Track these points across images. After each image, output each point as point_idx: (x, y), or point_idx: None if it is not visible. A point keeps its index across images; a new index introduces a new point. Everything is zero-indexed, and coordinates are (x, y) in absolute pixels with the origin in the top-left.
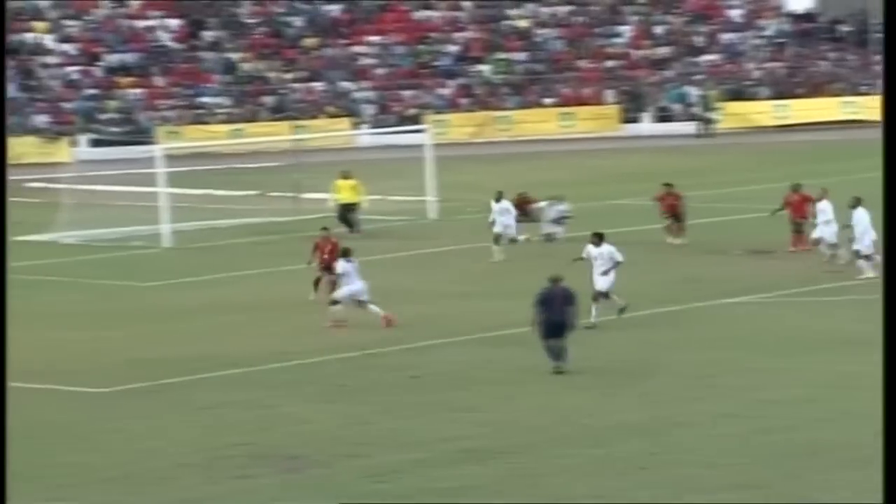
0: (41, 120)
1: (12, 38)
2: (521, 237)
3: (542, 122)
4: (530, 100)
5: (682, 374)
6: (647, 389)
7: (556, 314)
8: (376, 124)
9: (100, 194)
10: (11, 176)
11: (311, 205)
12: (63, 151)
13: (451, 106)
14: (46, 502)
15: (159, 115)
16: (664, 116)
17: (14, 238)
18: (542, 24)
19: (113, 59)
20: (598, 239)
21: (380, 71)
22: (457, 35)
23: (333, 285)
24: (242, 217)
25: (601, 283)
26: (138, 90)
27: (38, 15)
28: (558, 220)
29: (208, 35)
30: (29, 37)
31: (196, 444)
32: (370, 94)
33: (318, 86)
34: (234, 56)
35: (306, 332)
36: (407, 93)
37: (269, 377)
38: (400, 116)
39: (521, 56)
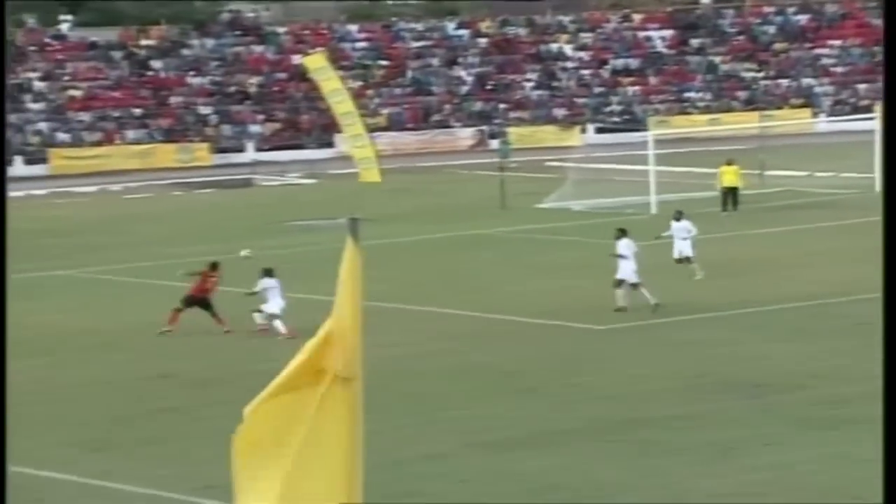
0: (559, 112)
1: (541, 48)
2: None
3: None
4: None
5: None
6: None
7: None
8: (832, 113)
9: (602, 171)
10: (534, 157)
11: (773, 180)
12: (575, 137)
13: None
14: (552, 413)
15: (652, 108)
16: None
17: (535, 206)
18: None
19: (617, 62)
20: None
21: (838, 69)
22: None
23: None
24: (716, 190)
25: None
26: (636, 88)
27: (562, 29)
28: None
29: (695, 42)
30: (553, 46)
31: (674, 372)
32: (829, 88)
33: (784, 82)
34: (716, 59)
35: (764, 285)
36: (861, 86)
37: (735, 321)
38: (854, 107)
39: None
